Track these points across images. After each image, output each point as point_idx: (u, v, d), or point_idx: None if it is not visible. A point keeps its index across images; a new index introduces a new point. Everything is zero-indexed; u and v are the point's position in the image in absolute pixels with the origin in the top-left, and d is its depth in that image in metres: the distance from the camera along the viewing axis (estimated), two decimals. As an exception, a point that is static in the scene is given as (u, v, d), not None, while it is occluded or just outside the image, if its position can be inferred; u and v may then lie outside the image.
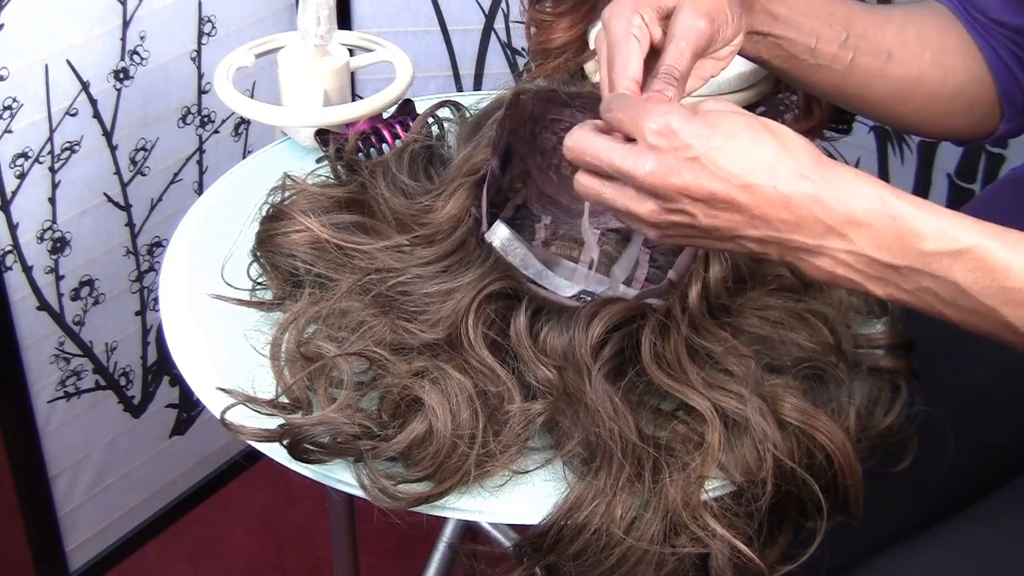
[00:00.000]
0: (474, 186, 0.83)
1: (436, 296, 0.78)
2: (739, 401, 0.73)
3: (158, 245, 1.36)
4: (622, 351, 0.75)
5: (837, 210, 0.61)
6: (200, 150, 1.37)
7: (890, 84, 0.85)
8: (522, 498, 0.73)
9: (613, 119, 0.65)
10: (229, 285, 0.87)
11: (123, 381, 1.39)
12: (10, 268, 1.19)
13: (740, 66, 1.02)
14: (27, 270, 1.21)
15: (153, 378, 1.43)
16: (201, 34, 1.30)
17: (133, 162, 1.29)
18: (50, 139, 1.18)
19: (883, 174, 1.50)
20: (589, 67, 1.07)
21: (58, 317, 1.26)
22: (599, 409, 0.72)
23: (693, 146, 0.61)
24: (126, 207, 1.30)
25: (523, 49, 1.48)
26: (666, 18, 0.73)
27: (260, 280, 0.87)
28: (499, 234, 0.82)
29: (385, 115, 1.05)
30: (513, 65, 1.51)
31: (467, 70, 1.51)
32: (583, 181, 0.66)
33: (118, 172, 1.27)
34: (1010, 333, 0.63)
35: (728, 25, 0.75)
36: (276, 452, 0.74)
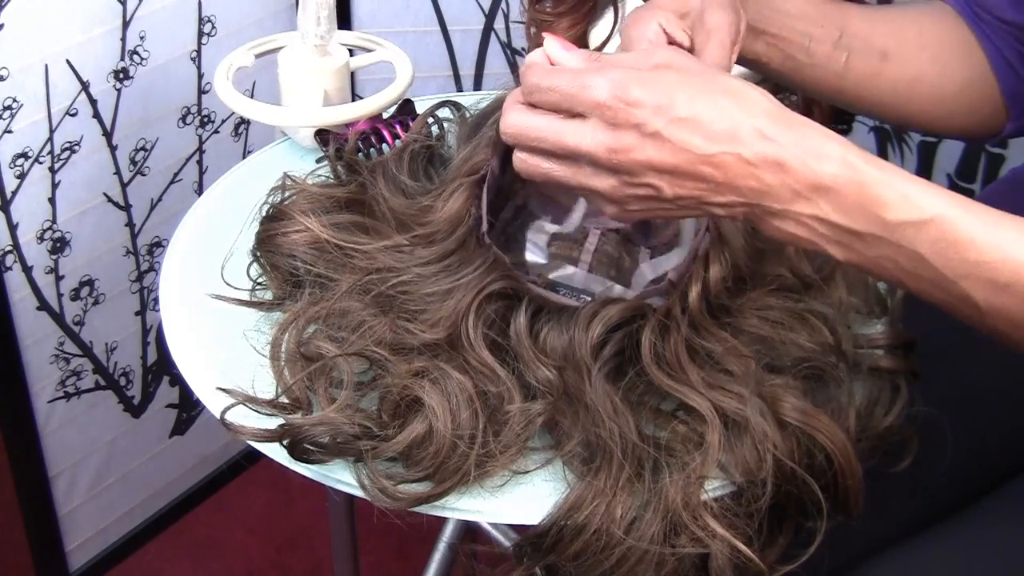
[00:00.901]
0: (474, 186, 0.83)
1: (436, 296, 0.78)
2: (739, 401, 0.73)
3: (158, 245, 1.36)
4: (622, 351, 0.75)
5: (803, 174, 0.60)
6: (200, 150, 1.37)
7: (888, 84, 0.85)
8: (522, 498, 0.73)
9: (549, 97, 0.62)
10: (229, 285, 0.87)
11: (123, 381, 1.39)
12: (10, 268, 1.19)
13: (740, 66, 1.02)
14: (27, 270, 1.21)
15: (153, 378, 1.43)
16: (201, 34, 1.30)
17: (133, 162, 1.29)
18: (50, 139, 1.18)
19: (883, 174, 1.50)
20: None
21: (58, 317, 1.26)
22: (599, 409, 0.72)
23: (650, 122, 0.59)
24: (126, 207, 1.30)
25: (523, 49, 1.48)
26: (684, 18, 0.73)
27: (260, 280, 0.87)
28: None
29: (385, 115, 1.05)
30: (513, 65, 1.51)
31: (467, 70, 1.51)
32: (527, 160, 0.64)
33: (118, 172, 1.27)
34: (968, 306, 0.62)
35: (742, 18, 0.75)
36: (276, 452, 0.74)
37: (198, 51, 1.31)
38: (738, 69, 1.00)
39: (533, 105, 0.64)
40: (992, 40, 0.85)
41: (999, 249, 0.60)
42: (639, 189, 0.62)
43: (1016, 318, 0.62)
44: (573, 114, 0.62)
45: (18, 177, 1.16)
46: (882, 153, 1.48)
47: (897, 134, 1.46)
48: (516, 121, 0.63)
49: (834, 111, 1.06)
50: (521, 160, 0.65)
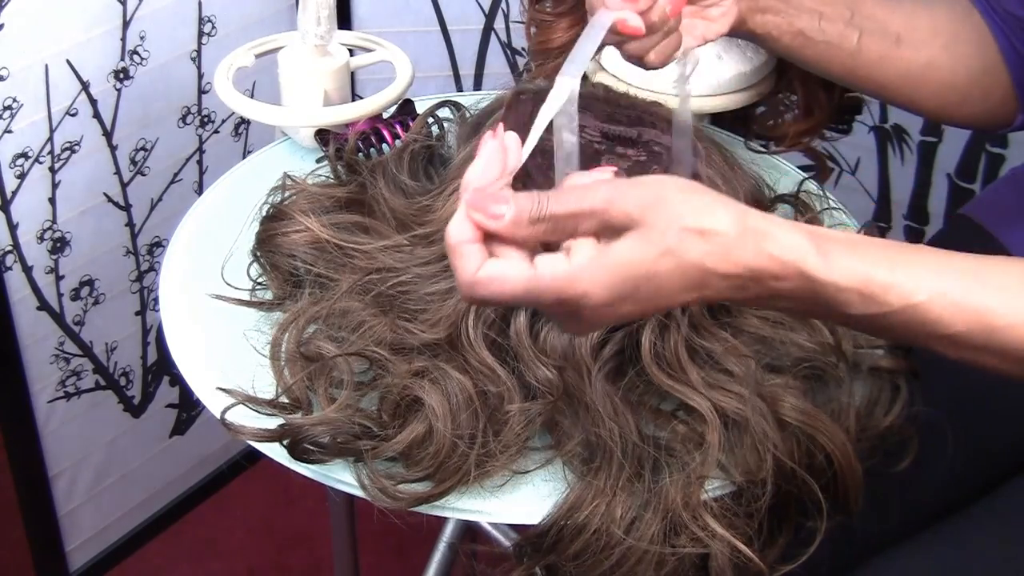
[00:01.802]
0: (474, 186, 0.82)
1: (436, 296, 0.78)
2: (739, 401, 0.73)
3: (158, 245, 1.36)
4: (622, 351, 0.75)
5: (763, 292, 0.58)
6: (200, 150, 1.37)
7: (900, 68, 0.85)
8: (522, 498, 0.73)
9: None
10: (229, 285, 0.87)
11: (123, 381, 1.39)
12: (10, 268, 1.19)
13: (740, 66, 1.02)
14: (27, 270, 1.21)
15: (153, 378, 1.43)
16: (201, 34, 1.30)
17: (133, 162, 1.29)
18: (50, 139, 1.18)
19: (883, 174, 1.50)
20: (589, 67, 1.07)
21: (58, 317, 1.26)
22: (599, 409, 0.72)
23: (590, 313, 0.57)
24: (126, 207, 1.30)
25: (523, 49, 1.48)
26: None
27: (260, 280, 0.87)
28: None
29: (385, 115, 1.05)
30: (513, 65, 1.51)
31: (467, 70, 1.51)
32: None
33: (118, 172, 1.27)
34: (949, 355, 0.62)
35: None
36: (276, 452, 0.74)
37: (198, 51, 1.31)
38: (741, 62, 1.00)
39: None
40: (1004, 32, 0.85)
41: (978, 319, 0.59)
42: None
43: (1008, 369, 0.62)
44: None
45: (18, 177, 1.16)
46: (882, 153, 1.48)
47: (897, 134, 1.46)
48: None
49: (834, 111, 1.06)
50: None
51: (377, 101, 1.05)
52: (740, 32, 0.85)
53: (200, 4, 1.29)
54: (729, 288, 0.58)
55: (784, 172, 1.06)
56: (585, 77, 1.09)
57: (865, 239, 0.60)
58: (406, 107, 1.05)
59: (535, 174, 0.91)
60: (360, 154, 0.98)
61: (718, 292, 0.58)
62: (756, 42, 0.86)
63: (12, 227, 1.18)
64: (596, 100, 0.86)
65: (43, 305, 1.24)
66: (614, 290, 0.56)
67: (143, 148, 1.29)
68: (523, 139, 0.88)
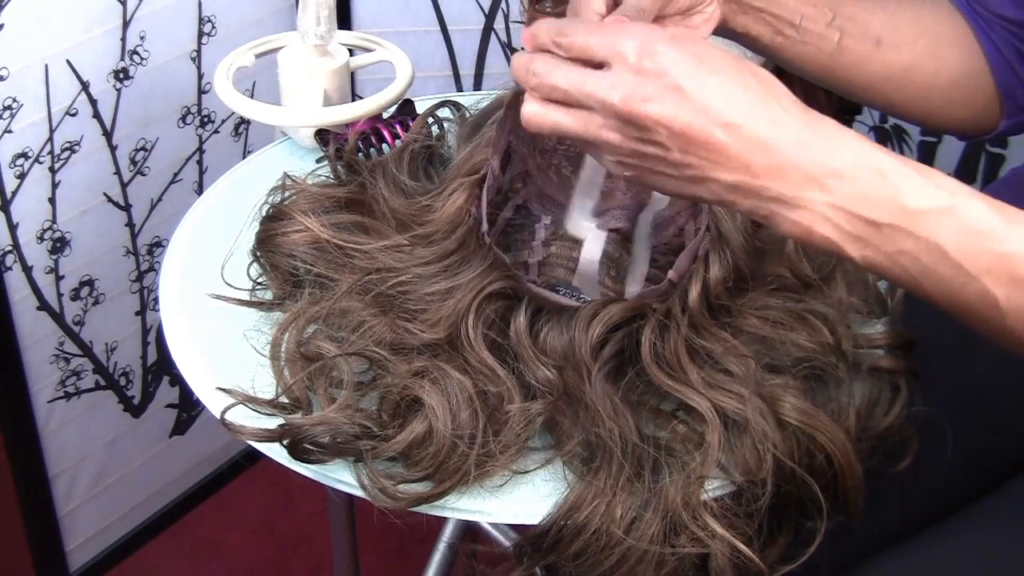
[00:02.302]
0: (474, 186, 0.83)
1: (436, 296, 0.78)
2: (739, 401, 0.73)
3: (158, 245, 1.36)
4: (622, 351, 0.75)
5: (820, 159, 0.58)
6: (200, 150, 1.37)
7: (880, 70, 0.84)
8: (522, 498, 0.73)
9: (575, 45, 0.60)
10: (229, 285, 0.87)
11: (123, 381, 1.39)
12: (10, 268, 1.19)
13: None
14: (27, 270, 1.21)
15: (153, 378, 1.43)
16: (201, 34, 1.30)
17: (133, 162, 1.29)
18: (50, 139, 1.18)
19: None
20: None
21: (58, 317, 1.26)
22: (599, 409, 0.72)
23: (675, 74, 0.57)
24: (126, 207, 1.30)
25: (523, 49, 1.48)
26: None
27: (260, 280, 0.87)
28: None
29: (385, 115, 1.05)
30: (513, 65, 1.51)
31: (467, 70, 1.51)
32: (540, 112, 0.62)
33: (118, 172, 1.27)
34: (986, 306, 0.59)
35: None
36: (276, 452, 0.74)
37: (198, 51, 1.31)
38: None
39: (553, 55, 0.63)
40: (990, 36, 0.85)
41: (1022, 242, 0.58)
42: (647, 147, 0.59)
43: None
44: (595, 65, 0.60)
45: (18, 177, 1.16)
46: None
47: (897, 134, 1.46)
48: (539, 66, 0.61)
49: (834, 112, 1.06)
50: (531, 113, 0.62)
51: (377, 101, 1.05)
52: (722, 32, 0.85)
53: (200, 4, 1.29)
54: (791, 127, 0.57)
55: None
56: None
57: None
58: (406, 107, 1.05)
59: (535, 174, 0.91)
60: (360, 154, 0.98)
61: (778, 118, 0.58)
62: (738, 41, 0.86)
63: (12, 227, 1.17)
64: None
65: (43, 305, 1.24)
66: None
67: (143, 148, 1.29)
68: (522, 141, 0.88)
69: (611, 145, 0.60)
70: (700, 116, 0.58)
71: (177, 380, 1.46)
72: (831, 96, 1.03)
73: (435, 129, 0.98)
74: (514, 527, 0.81)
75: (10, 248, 1.18)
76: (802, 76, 0.91)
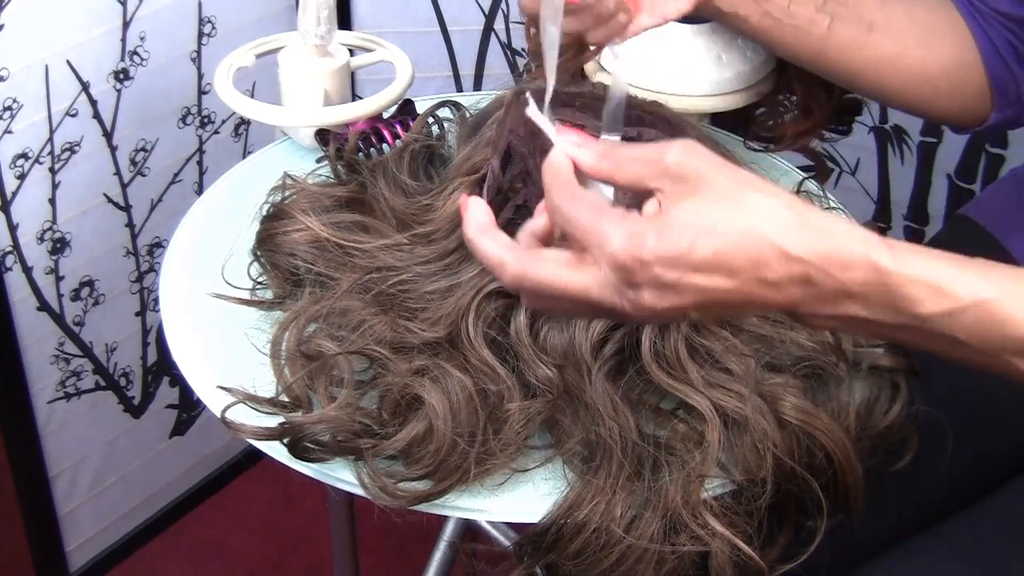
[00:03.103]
0: (474, 186, 0.83)
1: (436, 294, 0.78)
2: (739, 400, 0.73)
3: (158, 245, 1.36)
4: (622, 350, 0.75)
5: (829, 287, 0.58)
6: (200, 150, 1.37)
7: (870, 55, 0.84)
8: (522, 497, 0.73)
9: (565, 229, 0.59)
10: (229, 285, 0.87)
11: (123, 381, 1.39)
12: (10, 268, 1.19)
13: (740, 65, 1.02)
14: (27, 270, 1.21)
15: (153, 378, 1.43)
16: (201, 34, 1.30)
17: (133, 162, 1.29)
18: (50, 139, 1.18)
19: (883, 174, 1.50)
20: (589, 67, 1.07)
21: (58, 317, 1.26)
22: (599, 408, 0.72)
23: (666, 276, 0.56)
24: (126, 207, 1.30)
25: (523, 49, 1.48)
26: None
27: (260, 279, 0.87)
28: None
29: (385, 115, 1.05)
30: (513, 65, 1.51)
31: (467, 70, 1.51)
32: (542, 309, 0.64)
33: (118, 172, 1.27)
34: (1014, 374, 0.60)
35: None
36: (276, 451, 0.74)
37: (198, 51, 1.31)
38: (740, 61, 1.00)
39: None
40: (983, 28, 0.85)
41: None
42: (663, 316, 0.59)
43: None
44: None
45: (18, 177, 1.16)
46: (882, 153, 1.48)
47: (897, 134, 1.46)
48: (513, 277, 0.59)
49: (834, 111, 1.06)
50: (537, 309, 0.64)
51: (377, 101, 1.05)
52: (707, 11, 0.84)
53: (200, 4, 1.29)
54: (792, 278, 0.56)
55: (784, 172, 1.06)
56: (585, 77, 1.09)
57: (920, 247, 0.59)
58: (406, 107, 1.05)
59: (535, 174, 0.91)
60: (360, 154, 0.98)
61: (778, 280, 0.56)
62: (723, 22, 0.85)
63: (12, 227, 1.18)
64: (596, 100, 0.86)
65: (43, 306, 1.24)
66: (677, 241, 0.55)
67: (143, 148, 1.29)
68: (522, 141, 0.88)
69: (623, 311, 0.59)
70: (705, 294, 0.57)
71: (177, 380, 1.46)
72: (831, 96, 1.03)
73: (435, 129, 0.98)
74: (514, 526, 0.81)
75: (10, 248, 1.18)
76: (792, 61, 0.91)
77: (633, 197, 0.60)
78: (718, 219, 0.56)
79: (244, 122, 1.41)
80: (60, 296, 1.26)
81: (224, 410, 0.75)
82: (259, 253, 0.87)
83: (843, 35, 0.83)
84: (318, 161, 1.00)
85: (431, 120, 0.98)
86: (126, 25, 1.21)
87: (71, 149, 1.21)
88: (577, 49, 1.10)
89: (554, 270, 0.58)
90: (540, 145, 0.89)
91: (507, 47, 1.49)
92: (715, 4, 0.81)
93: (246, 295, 0.86)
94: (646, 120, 0.84)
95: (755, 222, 0.56)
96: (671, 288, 0.56)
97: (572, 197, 0.59)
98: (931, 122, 0.95)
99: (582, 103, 0.85)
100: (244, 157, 1.42)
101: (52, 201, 1.21)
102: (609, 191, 0.63)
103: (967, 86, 0.86)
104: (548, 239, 0.62)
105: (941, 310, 0.58)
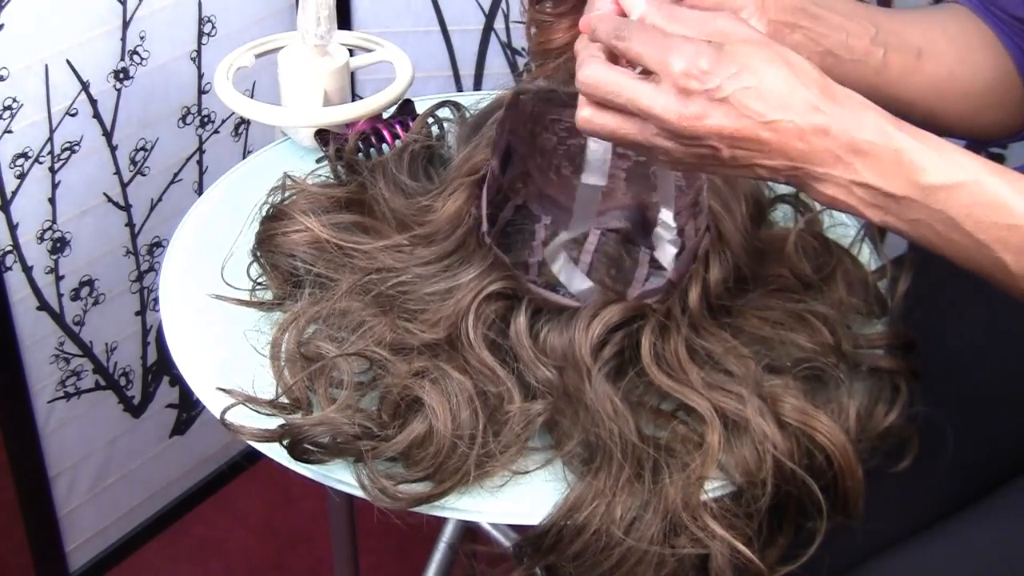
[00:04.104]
0: (474, 186, 0.83)
1: (436, 296, 0.78)
2: (739, 402, 0.73)
3: (158, 245, 1.36)
4: (622, 351, 0.75)
5: (843, 140, 0.63)
6: (200, 150, 1.37)
7: (924, 81, 0.85)
8: (522, 498, 0.73)
9: (630, 52, 0.65)
10: (229, 285, 0.87)
11: (123, 381, 1.39)
12: (10, 268, 1.19)
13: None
14: (27, 270, 1.21)
15: (153, 378, 1.43)
16: (201, 34, 1.30)
17: (133, 162, 1.29)
18: (50, 139, 1.18)
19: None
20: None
21: (58, 317, 1.26)
22: (599, 409, 0.72)
23: (722, 87, 0.63)
24: (126, 207, 1.30)
25: (523, 49, 1.48)
26: None
27: (260, 280, 0.87)
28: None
29: (385, 115, 1.05)
30: (513, 65, 1.51)
31: (467, 70, 1.51)
32: (593, 117, 0.67)
33: (118, 172, 1.27)
34: (999, 270, 0.65)
35: None
36: (276, 452, 0.74)
37: (198, 51, 1.31)
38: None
39: (612, 57, 0.67)
40: (1011, 37, 0.85)
41: None
42: (700, 150, 0.65)
43: None
44: (648, 72, 0.65)
45: (18, 177, 1.16)
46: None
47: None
48: (595, 74, 0.66)
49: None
50: (588, 118, 0.67)
51: (377, 101, 1.04)
52: None
53: (200, 4, 1.29)
54: (814, 128, 0.63)
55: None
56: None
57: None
58: (406, 107, 1.05)
59: (535, 174, 0.91)
60: (360, 154, 0.98)
61: (803, 127, 0.63)
62: None
63: (12, 227, 1.17)
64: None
65: (43, 305, 1.24)
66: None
67: (143, 148, 1.29)
68: (523, 140, 0.88)
69: (666, 150, 0.66)
70: (745, 120, 0.63)
71: (177, 380, 1.46)
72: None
73: (435, 129, 0.98)
74: (514, 527, 0.81)
75: (10, 248, 1.18)
76: None
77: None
78: (760, 60, 0.64)
79: (244, 122, 1.41)
80: (60, 296, 1.26)
81: (224, 411, 0.75)
82: (259, 254, 0.87)
83: (896, 64, 0.84)
84: (318, 161, 1.00)
85: (431, 120, 0.98)
86: (126, 25, 1.21)
87: (71, 149, 1.20)
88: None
89: (621, 74, 0.65)
90: (540, 145, 0.89)
91: (507, 47, 1.49)
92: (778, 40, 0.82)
93: (246, 296, 0.86)
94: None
95: (790, 72, 0.64)
96: (720, 104, 0.63)
97: (634, 23, 0.66)
98: (973, 139, 0.96)
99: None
100: (244, 157, 1.42)
101: (52, 201, 1.21)
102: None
103: (1006, 97, 0.86)
104: None
105: (941, 182, 0.63)
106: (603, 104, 0.66)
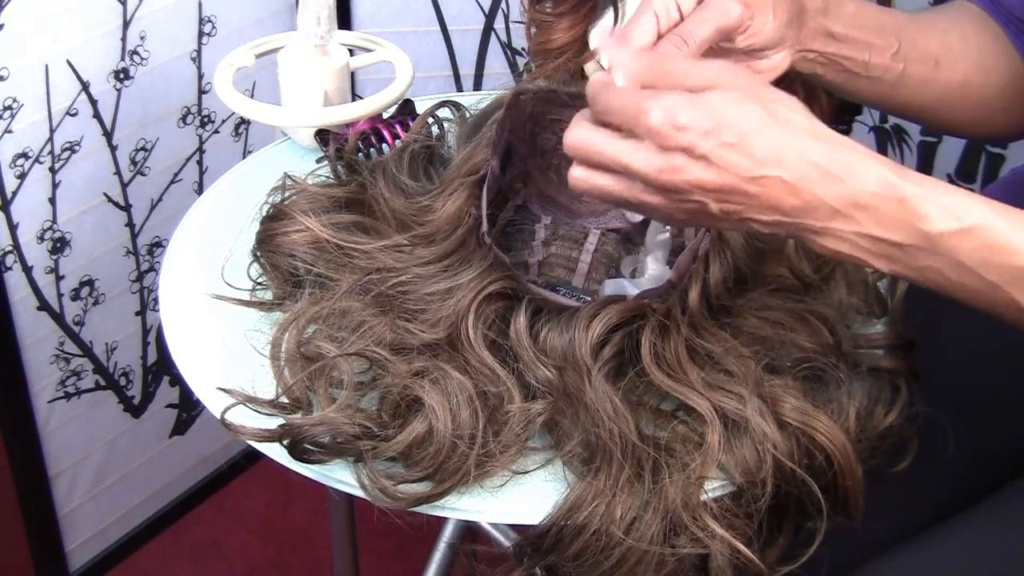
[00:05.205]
0: (474, 186, 0.83)
1: (436, 296, 0.78)
2: (739, 402, 0.73)
3: (158, 245, 1.36)
4: (622, 351, 0.75)
5: (843, 194, 0.61)
6: (200, 150, 1.37)
7: (938, 90, 0.85)
8: (522, 498, 0.73)
9: (606, 113, 0.64)
10: (229, 285, 0.87)
11: (123, 381, 1.39)
12: (10, 268, 1.19)
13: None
14: (27, 270, 1.21)
15: (153, 378, 1.43)
16: (201, 34, 1.30)
17: (133, 162, 1.29)
18: (50, 139, 1.18)
19: (883, 174, 1.50)
20: (589, 67, 1.07)
21: (58, 317, 1.26)
22: (599, 409, 0.72)
23: (699, 144, 0.61)
24: (126, 207, 1.30)
25: (523, 49, 1.48)
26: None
27: (260, 280, 0.87)
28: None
29: (385, 115, 1.05)
30: (513, 65, 1.51)
31: (467, 70, 1.51)
32: (584, 177, 0.66)
33: (118, 172, 1.27)
34: (1013, 310, 0.63)
35: (766, 22, 0.74)
36: (276, 452, 0.74)
37: (198, 51, 1.31)
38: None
39: (599, 122, 0.66)
40: (1020, 38, 0.85)
41: None
42: (688, 204, 0.64)
43: None
44: (631, 132, 0.64)
45: (18, 177, 1.16)
46: (882, 153, 1.48)
47: (897, 134, 1.46)
48: (579, 136, 0.65)
49: (836, 109, 1.06)
50: (578, 178, 0.66)
51: (377, 101, 1.04)
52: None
53: (200, 4, 1.29)
54: (807, 180, 0.61)
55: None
56: (585, 77, 1.09)
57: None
58: (406, 107, 1.05)
59: (535, 174, 0.91)
60: (360, 154, 0.98)
61: (794, 180, 0.61)
62: (800, 77, 0.85)
63: (12, 227, 1.18)
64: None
65: (43, 305, 1.24)
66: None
67: (143, 148, 1.29)
68: (523, 140, 0.88)
69: (655, 206, 0.65)
70: (728, 176, 0.62)
71: (177, 380, 1.46)
72: (831, 97, 1.03)
73: (435, 129, 0.98)
74: (514, 527, 0.81)
75: (10, 248, 1.18)
76: (858, 102, 0.90)
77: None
78: (745, 112, 0.61)
79: (244, 122, 1.41)
80: (60, 296, 1.26)
81: (224, 411, 0.75)
82: (259, 254, 0.87)
83: (913, 75, 0.83)
84: (318, 161, 1.00)
85: (431, 120, 0.98)
86: (126, 25, 1.21)
87: (71, 149, 1.20)
88: (577, 49, 1.11)
89: (604, 135, 0.64)
90: (540, 145, 0.90)
91: (507, 47, 1.49)
92: (798, 69, 0.81)
93: (246, 296, 0.86)
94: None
95: (777, 123, 0.61)
96: (699, 160, 0.61)
97: (609, 91, 0.64)
98: (982, 141, 0.95)
99: (582, 103, 0.85)
100: (244, 157, 1.42)
101: (52, 201, 1.21)
102: None
103: (1017, 99, 0.86)
104: None
105: (947, 229, 0.62)
106: (592, 165, 0.65)
